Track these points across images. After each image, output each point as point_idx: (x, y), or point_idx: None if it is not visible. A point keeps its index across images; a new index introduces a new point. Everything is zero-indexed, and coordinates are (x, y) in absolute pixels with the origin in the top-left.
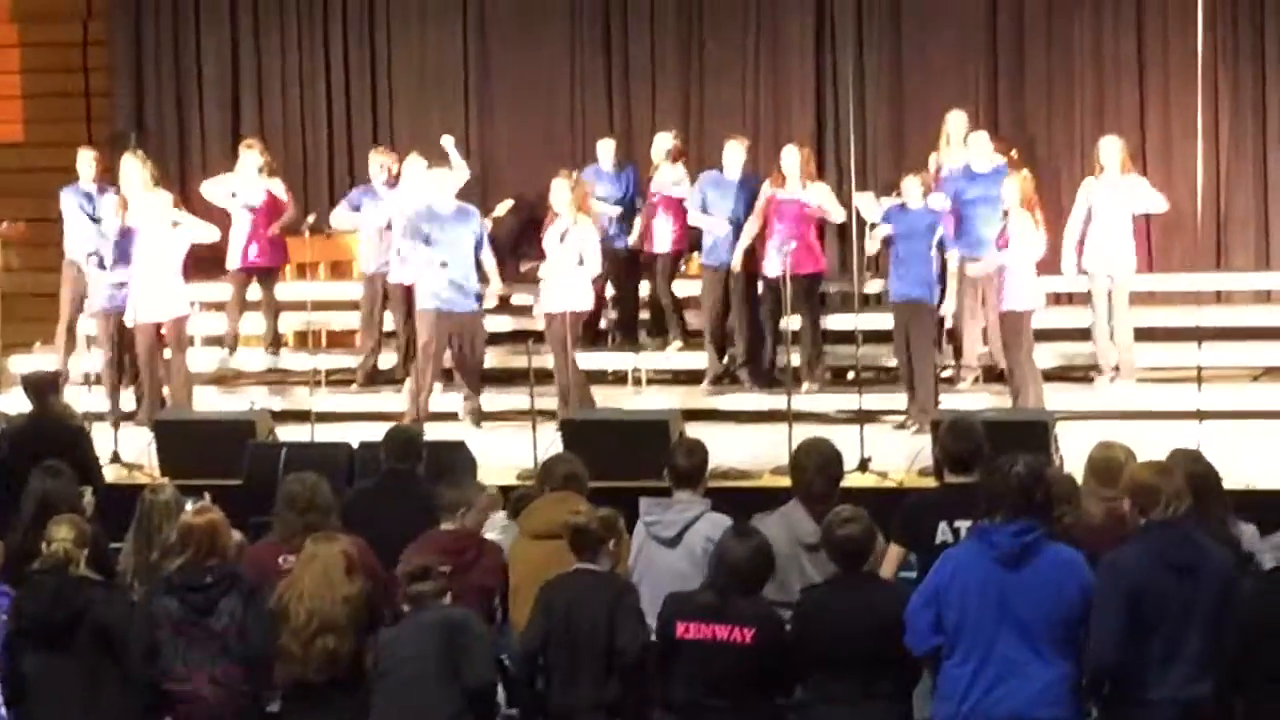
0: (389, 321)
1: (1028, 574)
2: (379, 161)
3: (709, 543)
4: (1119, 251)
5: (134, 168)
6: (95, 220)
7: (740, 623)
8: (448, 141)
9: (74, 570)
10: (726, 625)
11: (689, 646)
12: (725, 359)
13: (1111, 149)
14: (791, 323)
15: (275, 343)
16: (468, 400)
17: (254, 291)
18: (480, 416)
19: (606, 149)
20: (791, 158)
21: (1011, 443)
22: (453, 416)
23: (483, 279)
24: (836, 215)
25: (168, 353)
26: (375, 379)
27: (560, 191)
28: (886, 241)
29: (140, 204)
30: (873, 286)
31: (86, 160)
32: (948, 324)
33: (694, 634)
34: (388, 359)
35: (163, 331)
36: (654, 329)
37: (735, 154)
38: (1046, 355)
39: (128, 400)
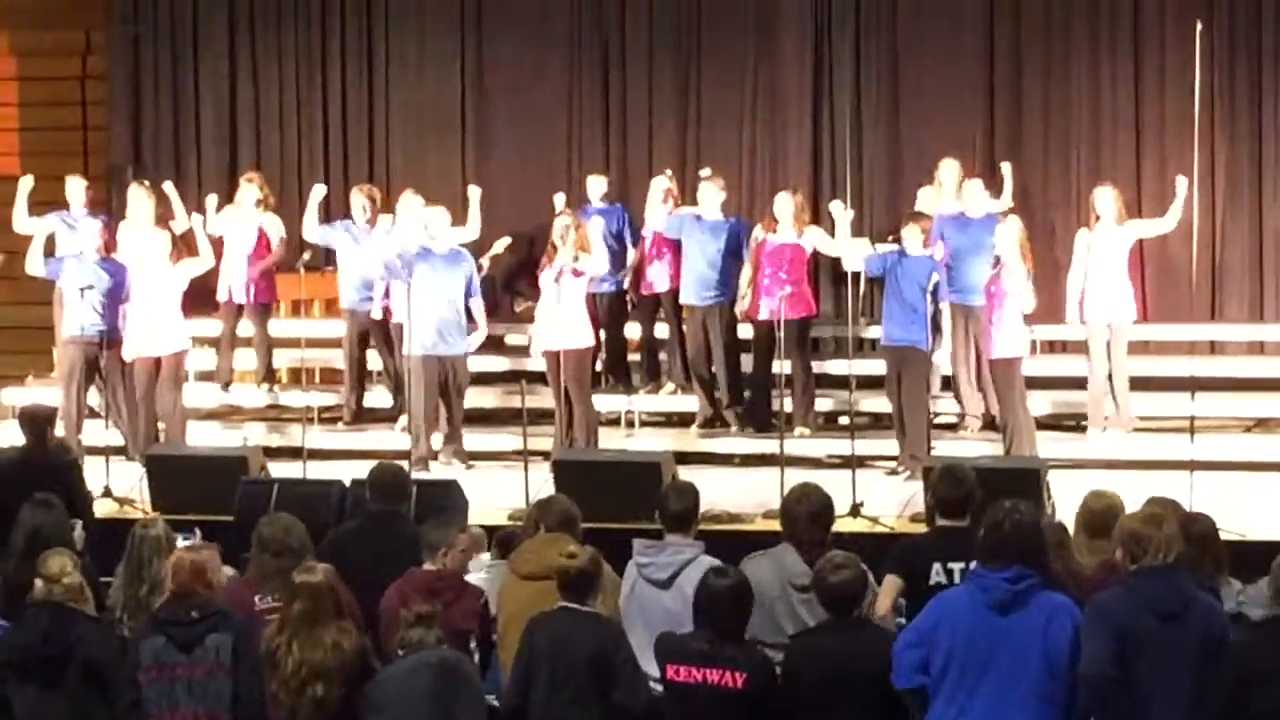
0: (373, 358)
1: (1018, 620)
2: (359, 201)
3: None
4: (1117, 301)
5: (141, 200)
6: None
7: (732, 667)
8: (474, 194)
9: (71, 605)
10: (718, 669)
11: (678, 690)
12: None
13: (1106, 199)
14: (783, 367)
15: (268, 379)
16: (449, 442)
17: (245, 327)
18: (465, 457)
19: (597, 185)
20: (784, 204)
21: (1003, 490)
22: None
23: (471, 323)
24: (845, 259)
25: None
26: (361, 416)
27: (564, 228)
28: (878, 284)
29: (143, 237)
30: (867, 332)
31: (77, 187)
32: (945, 370)
33: (684, 677)
34: (373, 396)
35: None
36: (647, 371)
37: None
38: (1040, 403)
39: (114, 435)
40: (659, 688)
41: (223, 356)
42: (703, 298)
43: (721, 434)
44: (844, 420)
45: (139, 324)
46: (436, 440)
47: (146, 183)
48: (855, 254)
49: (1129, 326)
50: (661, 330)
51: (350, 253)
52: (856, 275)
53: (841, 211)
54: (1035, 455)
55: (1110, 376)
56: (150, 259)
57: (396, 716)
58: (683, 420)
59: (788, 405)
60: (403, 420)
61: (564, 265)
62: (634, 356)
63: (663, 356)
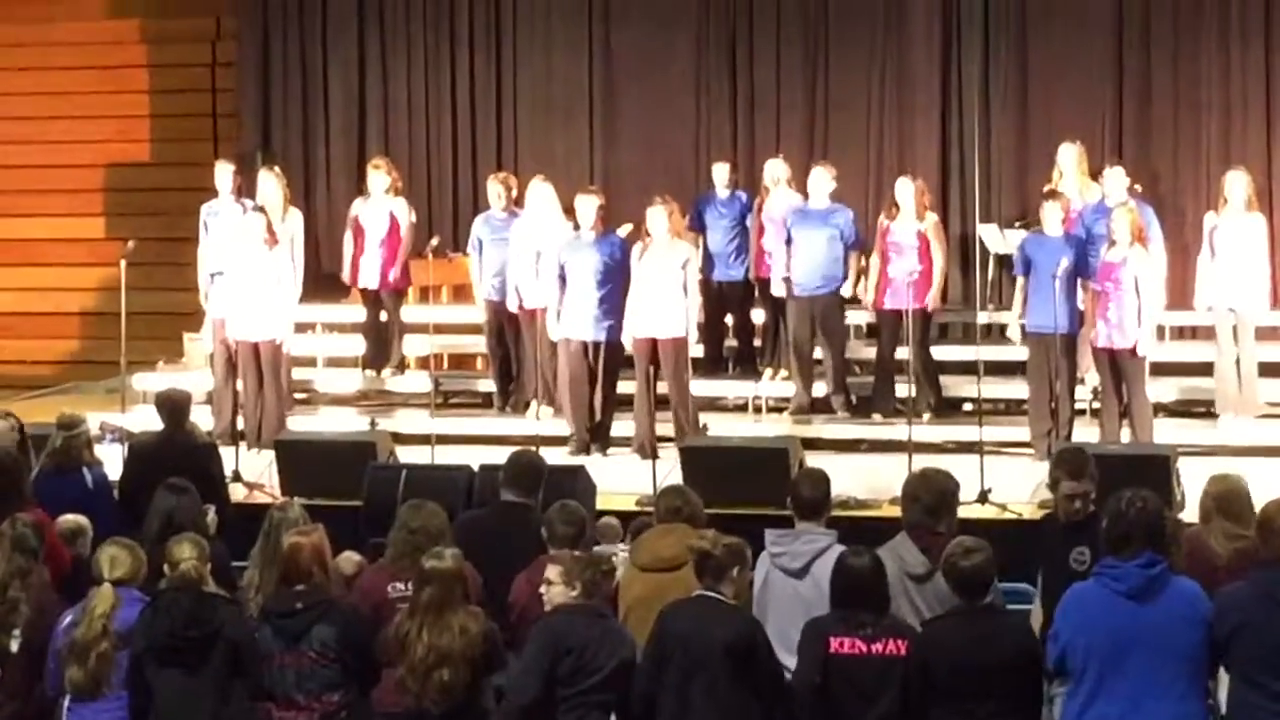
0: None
1: (1156, 608)
2: (495, 190)
3: None
4: (1245, 286)
5: (272, 185)
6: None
7: (894, 635)
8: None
9: (205, 588)
10: (881, 640)
11: (843, 662)
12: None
13: (1237, 184)
14: (909, 354)
15: (400, 365)
16: (596, 426)
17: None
18: (607, 443)
19: (721, 173)
20: (905, 189)
21: (1133, 477)
22: (567, 441)
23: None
24: (938, 255)
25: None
26: (509, 403)
27: (657, 219)
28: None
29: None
30: (994, 318)
31: (226, 173)
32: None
33: (849, 649)
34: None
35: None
36: (771, 356)
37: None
38: (1169, 389)
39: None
40: (789, 675)
41: (386, 344)
42: (810, 286)
43: (848, 420)
44: (970, 407)
45: (240, 308)
46: (556, 426)
47: (276, 168)
48: (992, 239)
49: (1256, 313)
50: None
51: (490, 243)
52: (984, 261)
53: (990, 232)
54: (1165, 443)
55: (1239, 362)
56: (260, 242)
57: None
58: (812, 407)
59: (913, 391)
60: (534, 406)
61: (665, 256)
62: (757, 342)
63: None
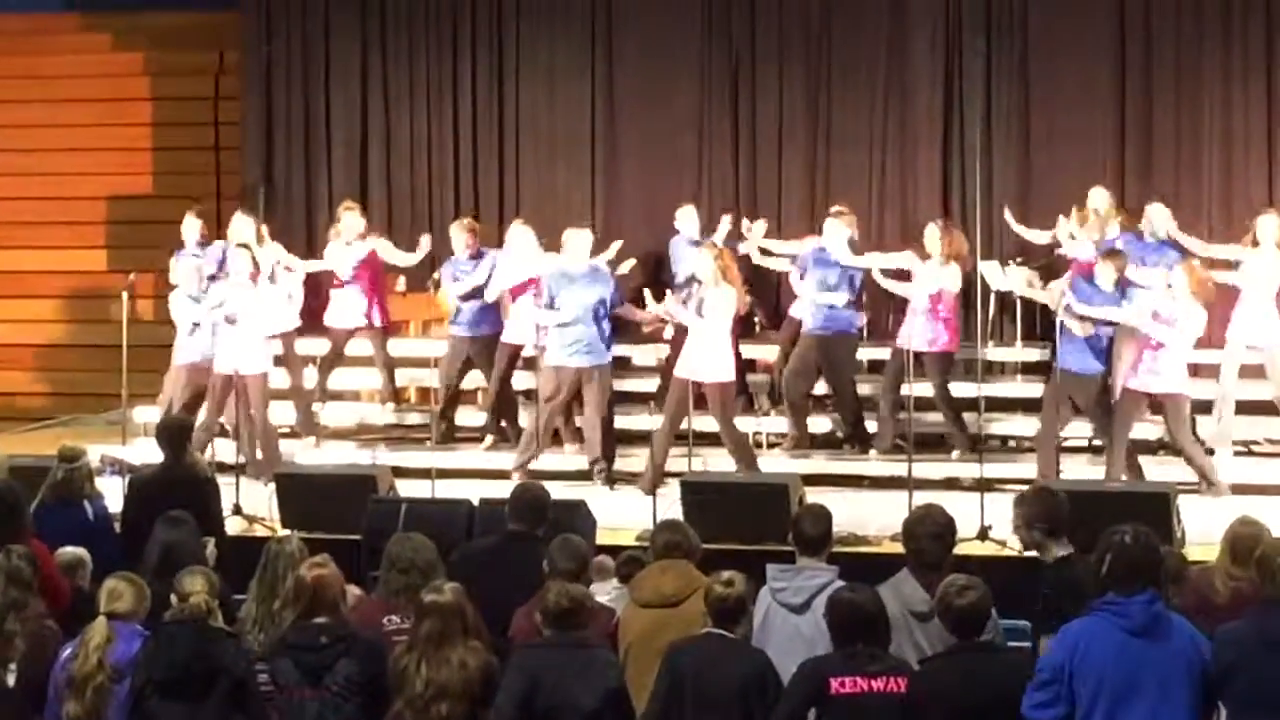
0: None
1: (1162, 643)
2: (459, 235)
3: None
4: (1268, 324)
5: (247, 226)
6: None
7: (894, 673)
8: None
9: (212, 622)
10: (881, 678)
11: (845, 702)
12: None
13: (1270, 226)
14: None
15: (394, 398)
16: (596, 463)
17: (363, 347)
18: (611, 478)
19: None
20: (934, 236)
21: (1133, 514)
22: (571, 476)
23: (629, 328)
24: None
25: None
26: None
27: (704, 260)
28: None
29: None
30: (995, 354)
31: (193, 226)
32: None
33: (850, 688)
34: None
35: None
36: (775, 392)
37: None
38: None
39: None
40: None
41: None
42: (817, 326)
43: (849, 456)
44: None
45: (226, 343)
46: (559, 460)
47: (250, 211)
48: (993, 275)
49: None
50: None
51: (450, 286)
52: (985, 298)
53: (990, 269)
54: (1166, 480)
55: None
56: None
57: None
58: (812, 443)
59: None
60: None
61: (707, 297)
62: (760, 377)
63: None
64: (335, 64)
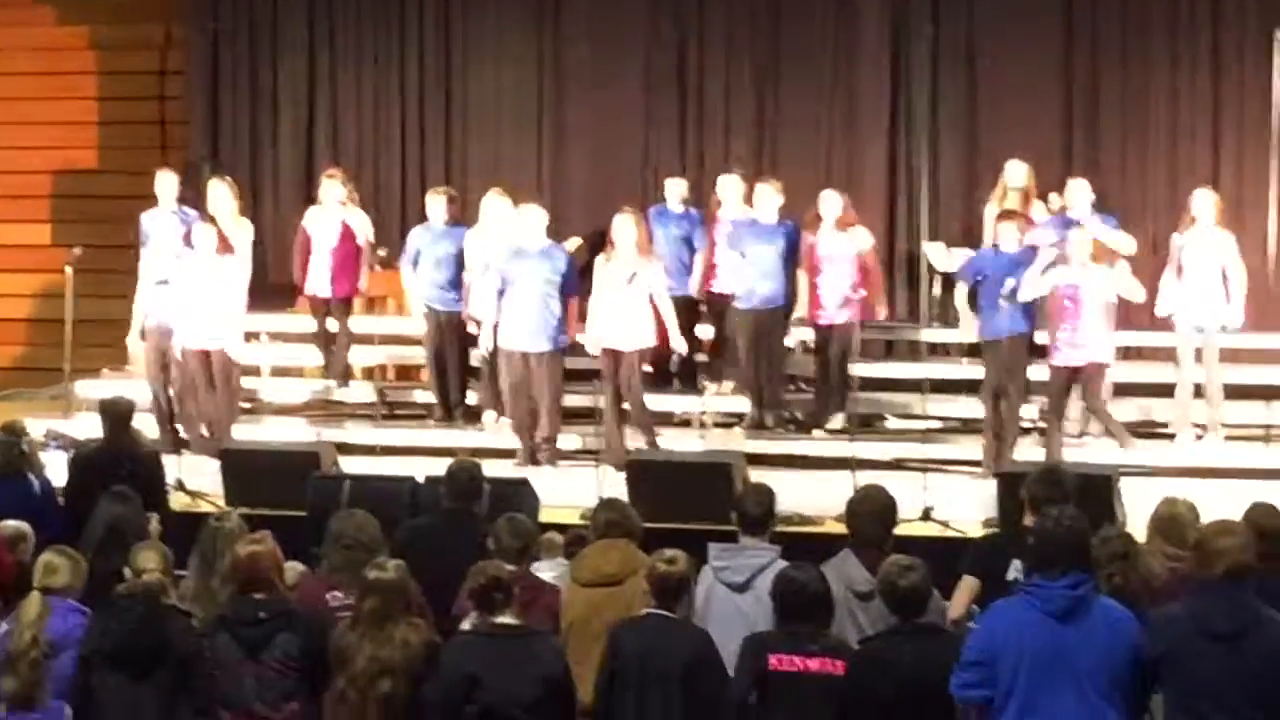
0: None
1: (1081, 628)
2: (437, 203)
3: None
4: (1210, 305)
5: (224, 194)
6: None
7: (832, 655)
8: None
9: (164, 599)
10: (819, 658)
11: (781, 679)
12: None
13: (1205, 202)
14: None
15: (344, 375)
16: (545, 441)
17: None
18: (556, 455)
19: (676, 187)
20: (831, 203)
21: (1076, 497)
22: (514, 454)
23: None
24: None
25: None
26: (451, 414)
27: (626, 229)
28: (976, 285)
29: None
30: (939, 335)
31: (169, 182)
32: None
33: (787, 666)
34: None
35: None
36: (715, 372)
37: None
38: (1128, 409)
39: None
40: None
41: (333, 353)
42: (756, 301)
43: (794, 436)
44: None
45: (190, 317)
46: (502, 438)
47: (228, 178)
48: (938, 256)
49: (1220, 333)
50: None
51: (429, 252)
52: (930, 280)
53: (935, 250)
54: (1108, 462)
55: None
56: (210, 250)
57: None
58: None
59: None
60: (488, 416)
61: (634, 269)
62: (701, 357)
63: None
64: (281, 38)
